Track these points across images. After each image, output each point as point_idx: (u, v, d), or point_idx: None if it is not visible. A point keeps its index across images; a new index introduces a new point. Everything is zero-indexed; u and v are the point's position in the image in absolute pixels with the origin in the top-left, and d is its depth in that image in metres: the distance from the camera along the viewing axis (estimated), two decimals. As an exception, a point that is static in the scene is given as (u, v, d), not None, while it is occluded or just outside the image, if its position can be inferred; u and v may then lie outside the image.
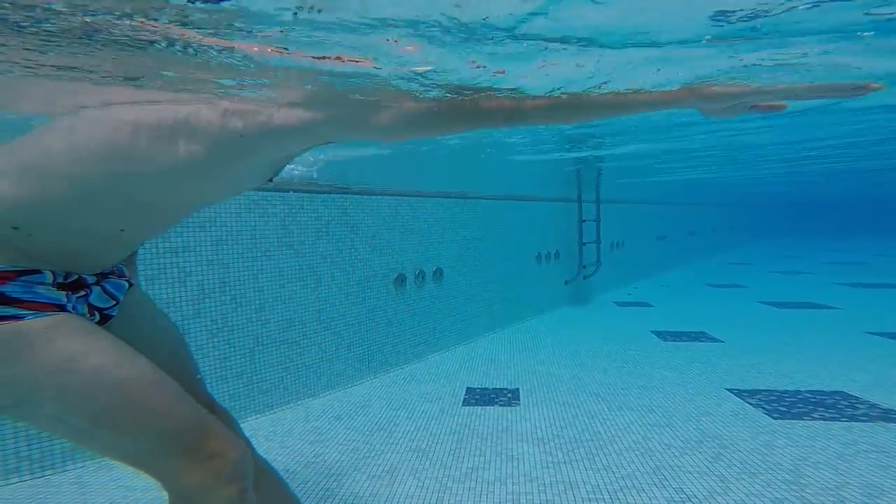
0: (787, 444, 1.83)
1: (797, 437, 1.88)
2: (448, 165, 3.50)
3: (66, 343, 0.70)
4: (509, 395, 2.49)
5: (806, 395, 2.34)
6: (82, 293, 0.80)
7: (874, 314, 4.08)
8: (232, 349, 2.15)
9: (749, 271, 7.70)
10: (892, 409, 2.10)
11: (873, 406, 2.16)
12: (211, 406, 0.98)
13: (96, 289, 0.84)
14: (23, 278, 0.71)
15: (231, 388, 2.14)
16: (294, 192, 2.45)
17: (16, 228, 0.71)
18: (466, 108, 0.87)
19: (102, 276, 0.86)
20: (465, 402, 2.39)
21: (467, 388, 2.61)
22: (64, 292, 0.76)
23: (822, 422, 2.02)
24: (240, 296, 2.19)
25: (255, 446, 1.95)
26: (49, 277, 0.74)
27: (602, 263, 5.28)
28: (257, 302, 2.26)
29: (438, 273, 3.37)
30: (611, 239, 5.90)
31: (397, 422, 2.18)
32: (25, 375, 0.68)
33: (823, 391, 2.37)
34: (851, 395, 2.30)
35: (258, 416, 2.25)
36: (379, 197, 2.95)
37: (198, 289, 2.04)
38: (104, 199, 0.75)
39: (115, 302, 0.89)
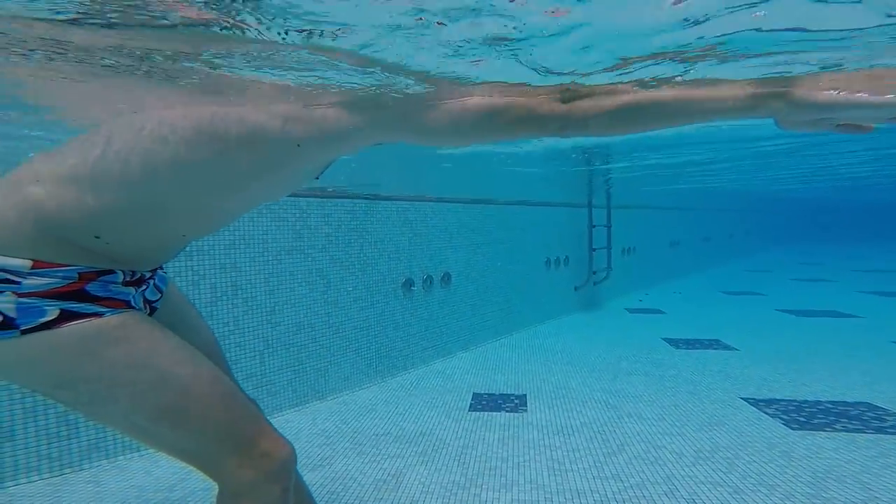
0: (807, 455, 1.77)
1: (818, 448, 1.82)
2: (457, 170, 3.51)
3: (139, 340, 0.74)
4: (516, 401, 2.47)
5: (827, 405, 2.26)
6: (143, 288, 0.86)
7: (899, 323, 3.94)
8: (242, 351, 2.18)
9: (767, 278, 7.50)
10: None
11: None
12: None
13: (151, 283, 0.89)
14: (101, 278, 0.75)
15: (240, 389, 2.16)
16: (304, 197, 2.50)
17: (97, 237, 0.75)
18: (520, 113, 0.78)
19: (153, 272, 0.91)
20: (472, 408, 2.38)
21: (474, 393, 2.60)
22: (131, 288, 0.81)
23: (845, 433, 1.94)
24: (251, 299, 2.23)
25: None
26: (120, 277, 0.79)
27: (613, 269, 5.22)
28: (268, 305, 2.30)
29: (447, 278, 3.37)
30: (622, 244, 5.83)
31: (403, 426, 2.17)
32: (106, 371, 0.71)
33: (846, 402, 2.29)
34: (878, 407, 2.21)
35: (267, 418, 2.26)
36: (388, 202, 2.98)
37: (210, 291, 2.08)
38: (171, 207, 0.78)
39: (160, 294, 0.94)
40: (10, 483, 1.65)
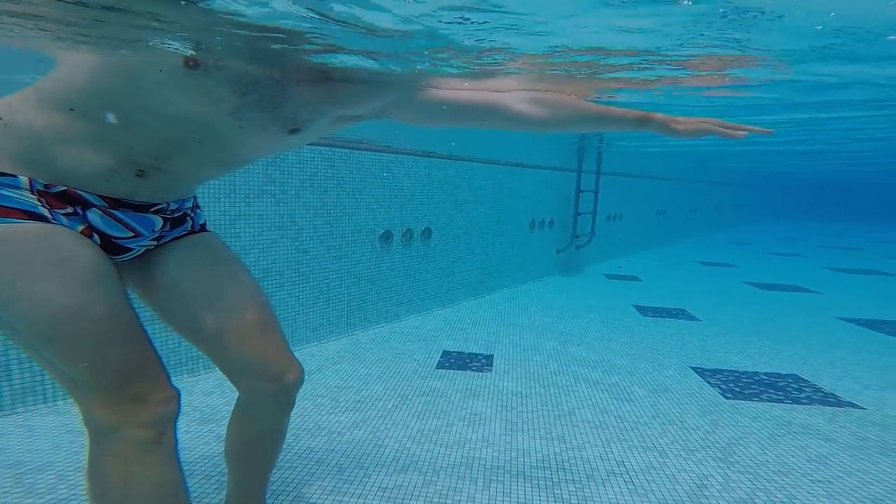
0: (731, 423, 1.89)
1: (741, 416, 1.94)
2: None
3: (24, 257, 0.69)
4: (483, 360, 2.54)
5: (762, 376, 2.40)
6: (69, 209, 0.75)
7: (850, 300, 4.13)
8: (206, 298, 2.15)
9: (744, 251, 7.67)
10: (833, 394, 2.18)
11: (818, 390, 2.23)
12: (281, 357, 0.97)
13: (95, 212, 0.78)
14: None
15: (205, 335, 2.15)
16: (274, 140, 2.34)
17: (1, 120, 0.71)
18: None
19: (117, 203, 0.80)
20: (440, 365, 2.45)
21: (444, 351, 2.67)
22: (40, 200, 0.72)
23: (768, 403, 2.07)
24: (214, 244, 2.15)
25: (216, 400, 1.97)
26: (24, 182, 0.71)
27: (596, 234, 5.23)
28: (234, 249, 2.22)
29: (427, 233, 3.33)
30: (608, 211, 5.80)
31: (367, 380, 2.23)
32: None
33: (779, 373, 2.43)
34: (803, 379, 2.36)
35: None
36: (369, 153, 2.84)
37: None
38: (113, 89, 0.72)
39: (132, 234, 0.85)
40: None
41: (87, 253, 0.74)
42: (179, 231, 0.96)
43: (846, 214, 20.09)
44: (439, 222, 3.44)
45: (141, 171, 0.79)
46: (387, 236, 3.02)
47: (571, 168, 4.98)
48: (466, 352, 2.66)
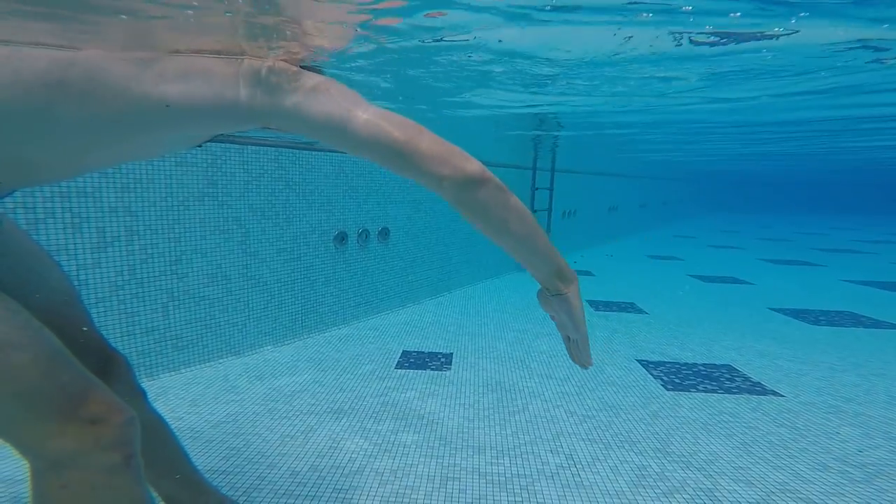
0: (670, 414, 2.00)
1: (679, 407, 2.06)
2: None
3: None
4: (442, 359, 2.56)
5: (700, 367, 2.55)
6: None
7: (779, 290, 4.49)
8: (141, 303, 2.02)
9: (689, 244, 8.20)
10: (759, 383, 2.34)
11: (747, 379, 2.39)
12: (104, 351, 0.94)
13: None
14: None
15: (139, 344, 2.03)
16: (218, 142, 2.23)
17: None
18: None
19: None
20: (399, 366, 2.44)
21: (404, 351, 2.66)
22: None
23: (703, 394, 2.20)
24: (151, 246, 2.03)
25: (160, 402, 1.89)
26: None
27: (552, 231, 5.40)
28: (173, 254, 2.11)
29: (384, 233, 3.30)
30: (563, 207, 6.01)
31: (324, 382, 2.19)
32: None
33: (715, 364, 2.59)
34: (735, 369, 2.52)
35: (171, 373, 2.18)
36: (320, 153, 2.76)
37: (97, 236, 1.86)
38: None
39: None
40: None
41: None
42: None
43: (777, 207, 22.10)
44: (398, 222, 3.41)
45: None
46: (341, 237, 2.96)
47: (527, 166, 5.11)
48: (426, 351, 2.67)
